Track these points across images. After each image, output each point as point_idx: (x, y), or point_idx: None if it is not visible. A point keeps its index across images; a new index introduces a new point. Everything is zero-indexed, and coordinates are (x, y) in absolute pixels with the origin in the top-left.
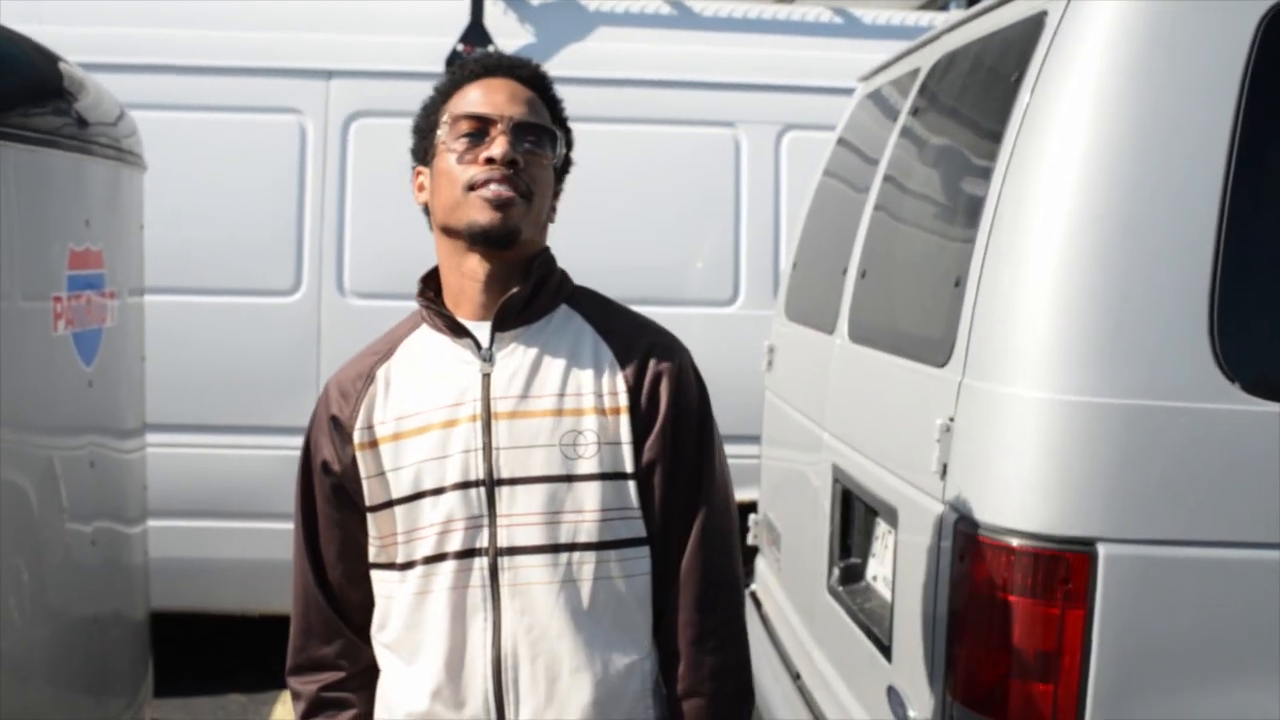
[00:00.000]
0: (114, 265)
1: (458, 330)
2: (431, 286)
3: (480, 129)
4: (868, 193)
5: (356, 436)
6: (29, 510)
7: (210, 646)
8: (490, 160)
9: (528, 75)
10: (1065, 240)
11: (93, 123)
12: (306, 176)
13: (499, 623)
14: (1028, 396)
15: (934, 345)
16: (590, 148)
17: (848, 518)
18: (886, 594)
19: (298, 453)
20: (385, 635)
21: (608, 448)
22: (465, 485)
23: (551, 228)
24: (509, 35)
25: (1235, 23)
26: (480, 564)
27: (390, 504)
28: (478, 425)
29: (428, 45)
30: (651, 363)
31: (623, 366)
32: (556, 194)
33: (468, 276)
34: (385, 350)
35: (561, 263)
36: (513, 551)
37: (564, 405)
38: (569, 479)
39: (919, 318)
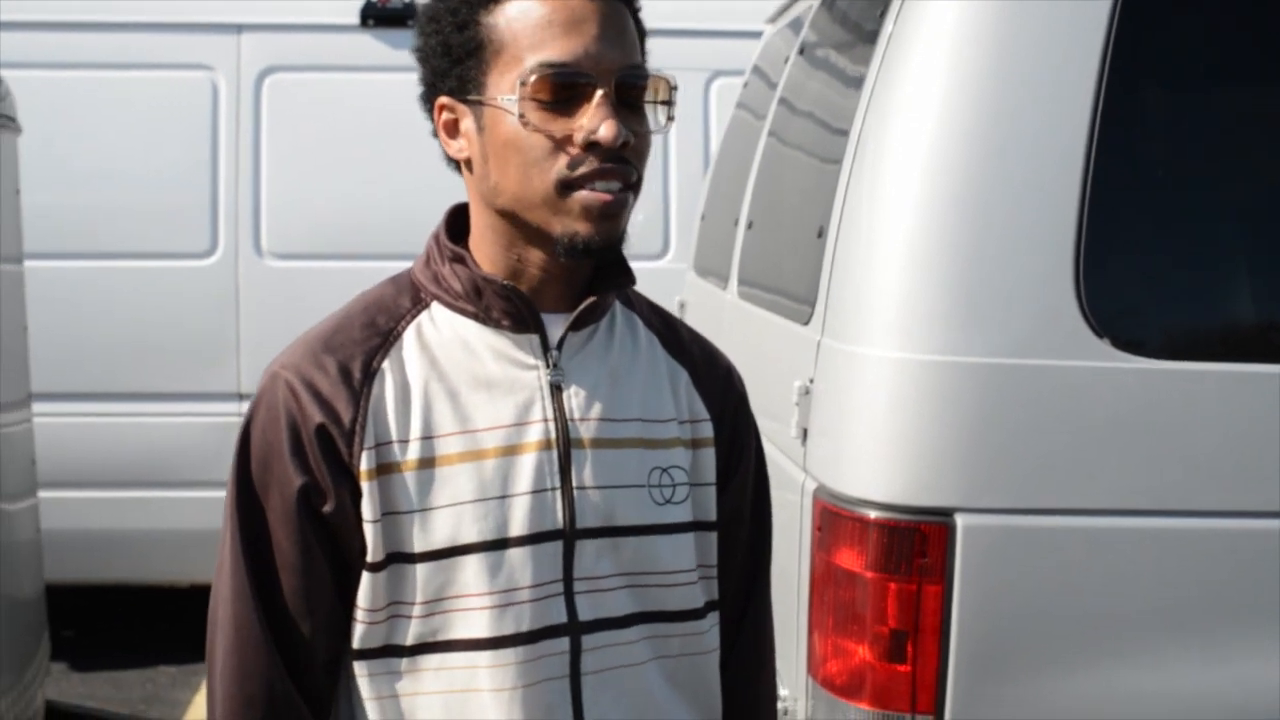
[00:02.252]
0: None
1: (523, 322)
2: (453, 239)
3: (569, 84)
4: (759, 141)
5: (363, 459)
6: None
7: (139, 619)
8: (593, 145)
9: None
10: (920, 185)
11: None
12: (219, 135)
13: None
14: (882, 357)
15: (799, 301)
16: None
17: None
18: None
19: (218, 419)
20: None
21: (698, 490)
22: (537, 538)
23: (453, 186)
24: None
25: None
26: (558, 647)
27: (407, 559)
28: (553, 455)
29: None
30: (732, 389)
31: (701, 391)
32: None
33: (534, 263)
34: (383, 334)
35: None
36: (601, 626)
37: (651, 434)
38: (662, 530)
39: (789, 272)
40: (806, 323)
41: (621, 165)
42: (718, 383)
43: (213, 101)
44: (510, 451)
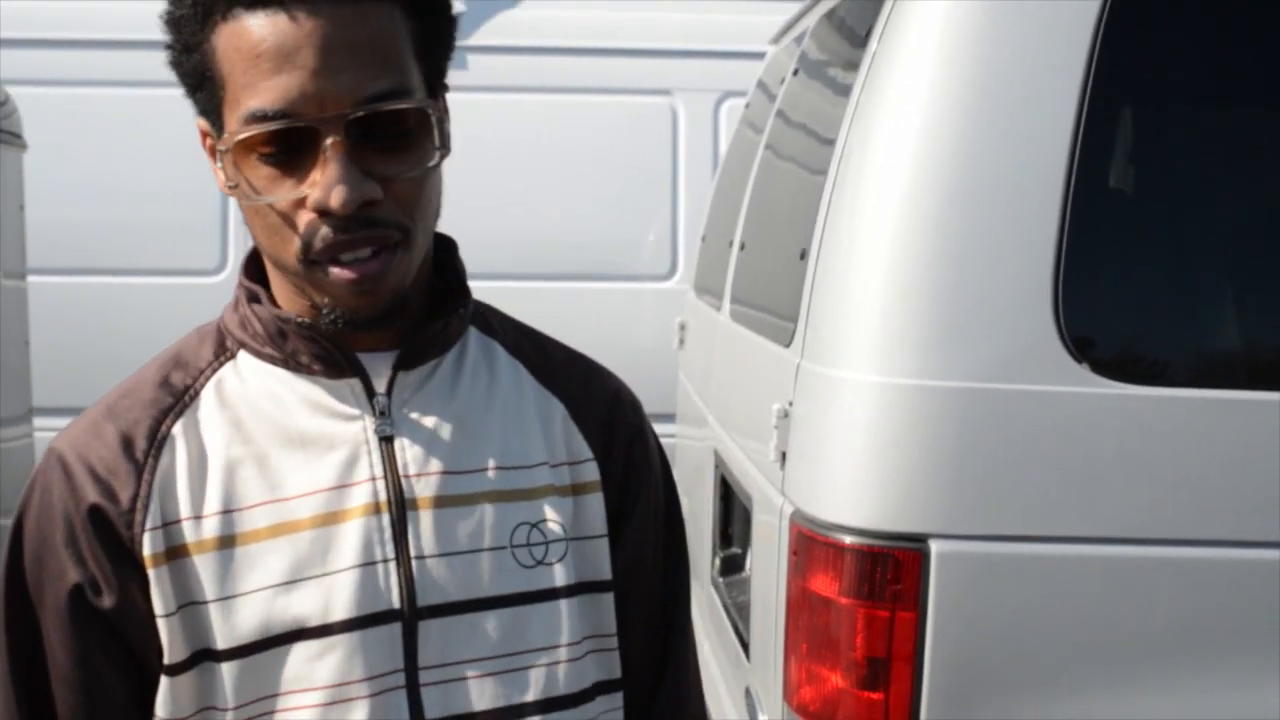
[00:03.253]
0: None
1: (338, 367)
2: (256, 279)
3: (285, 136)
4: (754, 160)
5: (146, 542)
6: None
7: None
8: (324, 212)
9: None
10: (900, 210)
11: None
12: None
13: None
14: (859, 380)
15: (782, 324)
16: (523, 119)
17: (728, 505)
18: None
19: None
20: None
21: (581, 545)
22: (368, 622)
23: (478, 206)
24: None
25: None
26: None
27: (210, 657)
28: (384, 519)
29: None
30: (620, 417)
31: (580, 424)
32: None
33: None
34: (175, 394)
35: (491, 242)
36: None
37: (512, 484)
38: (532, 598)
39: (774, 294)
40: (788, 345)
41: (369, 230)
42: (601, 412)
43: None
44: (330, 520)
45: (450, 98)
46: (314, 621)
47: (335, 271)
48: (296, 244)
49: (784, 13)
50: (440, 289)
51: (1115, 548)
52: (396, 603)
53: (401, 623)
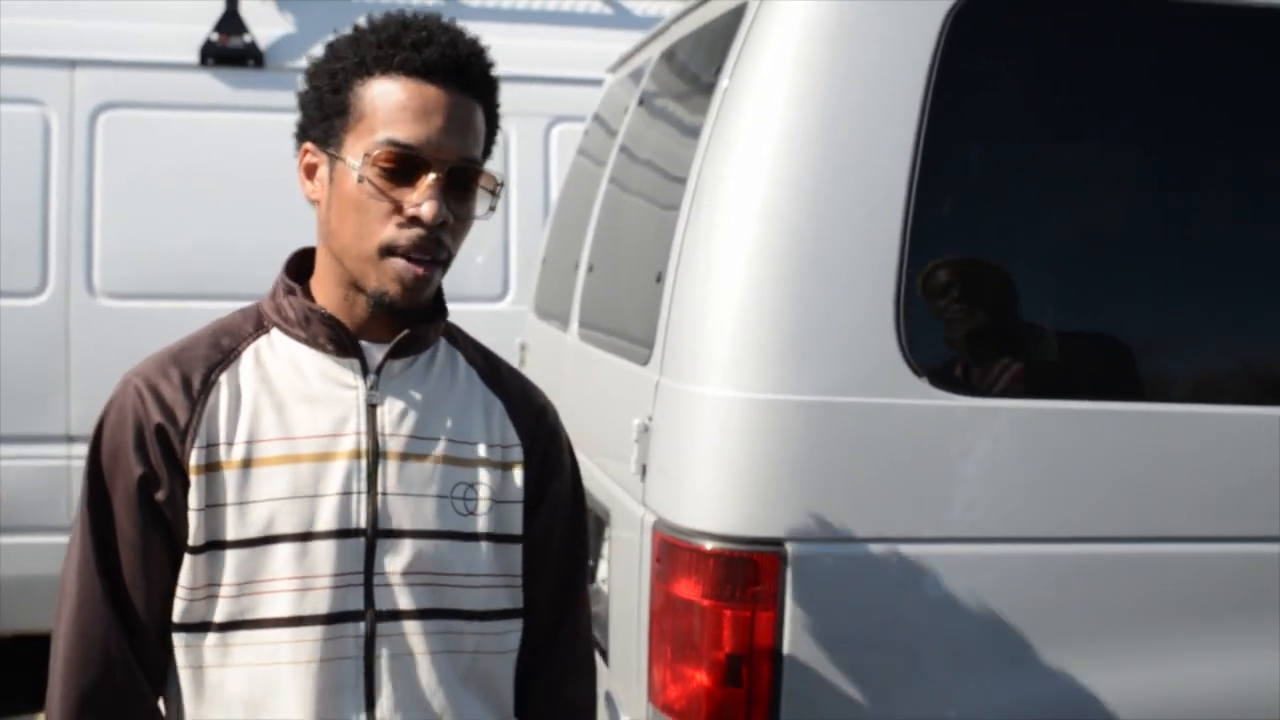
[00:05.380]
0: None
1: (345, 348)
2: (295, 277)
3: (408, 166)
4: (599, 187)
5: (193, 456)
6: None
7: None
8: (415, 220)
9: (478, 78)
10: (753, 235)
11: None
12: (51, 171)
13: (374, 703)
14: (716, 395)
15: (638, 343)
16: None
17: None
18: (608, 597)
19: (47, 462)
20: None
21: (499, 506)
22: (341, 534)
23: (291, 227)
24: (267, 24)
25: (922, 18)
26: (354, 630)
27: (221, 546)
28: (361, 463)
29: (180, 34)
30: (545, 423)
31: (514, 421)
32: None
33: (359, 303)
34: (224, 352)
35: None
36: (395, 616)
37: (457, 453)
38: (460, 536)
39: (628, 315)
40: (645, 363)
41: (436, 243)
42: (531, 415)
43: (44, 137)
44: (324, 458)
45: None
46: (302, 529)
47: (404, 265)
48: (382, 235)
49: (613, 41)
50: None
51: (955, 546)
52: (364, 524)
53: (365, 538)
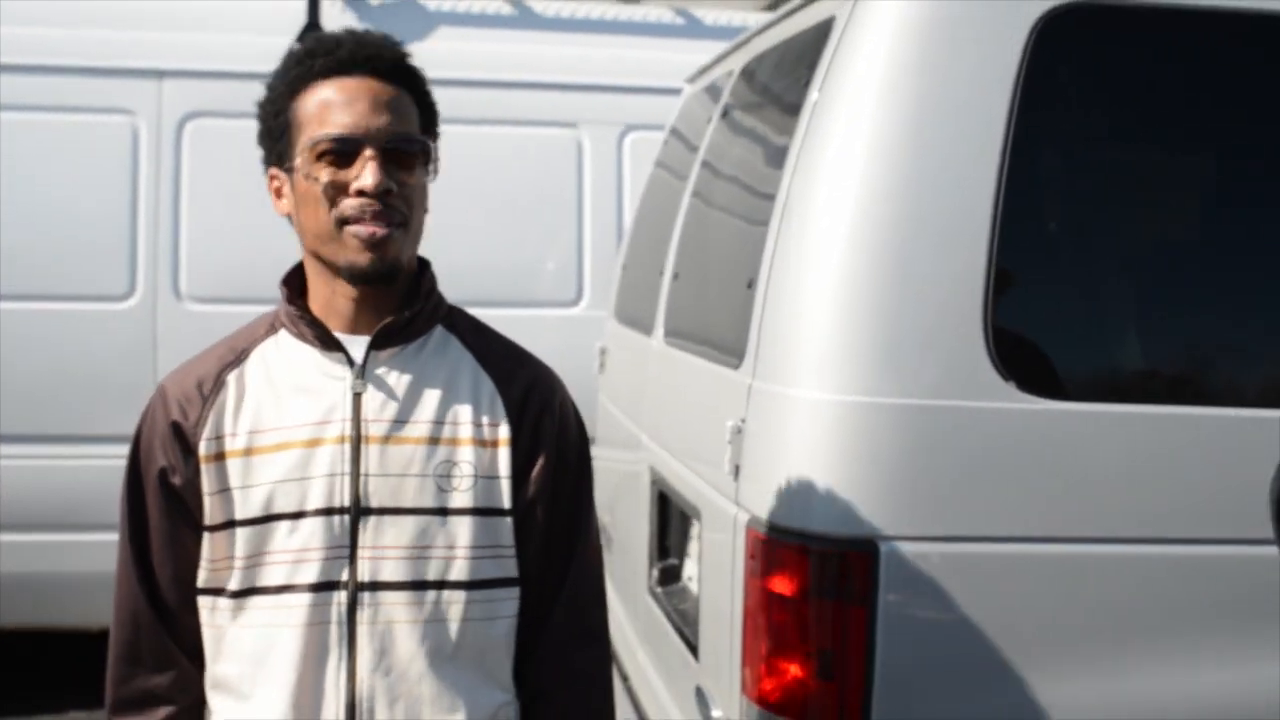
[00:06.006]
0: None
1: (328, 342)
2: (295, 288)
3: (344, 150)
4: (683, 197)
5: (202, 447)
6: None
7: (47, 662)
8: (361, 192)
9: (388, 66)
10: (844, 242)
11: None
12: (140, 179)
13: (354, 664)
14: (810, 398)
15: (729, 347)
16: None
17: (665, 519)
18: (697, 594)
19: None
20: (217, 671)
21: (484, 482)
22: (328, 512)
23: None
24: None
25: (1010, 27)
26: (338, 599)
27: (233, 524)
28: (345, 448)
29: (263, 45)
30: (535, 396)
31: (504, 398)
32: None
33: (341, 295)
34: (237, 353)
35: None
36: (375, 587)
37: (440, 434)
38: (441, 512)
39: (718, 320)
40: (737, 367)
41: (386, 208)
42: (520, 392)
43: (133, 146)
44: (313, 444)
45: None
46: (294, 508)
47: (358, 228)
48: (335, 212)
49: (684, 50)
50: (416, 304)
51: (1040, 546)
52: (348, 502)
53: (349, 516)
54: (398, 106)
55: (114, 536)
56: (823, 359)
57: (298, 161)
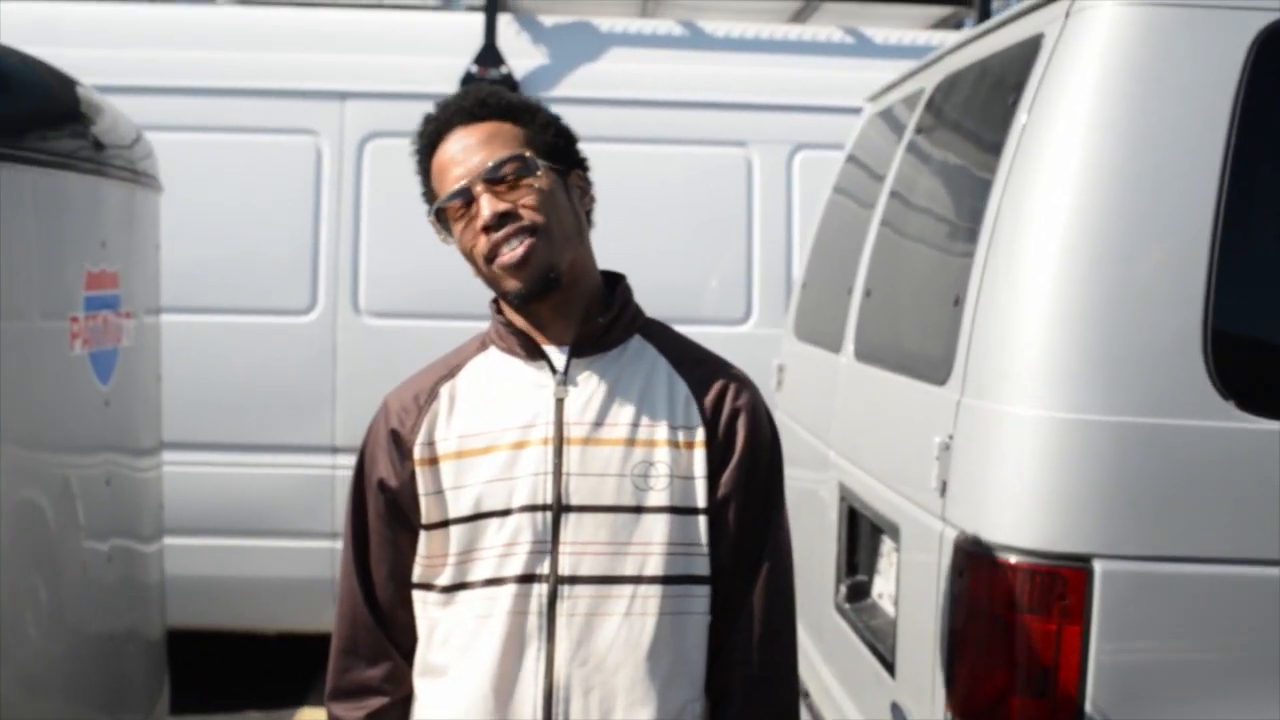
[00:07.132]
0: (130, 286)
1: (533, 352)
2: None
3: (464, 202)
4: (873, 212)
5: (417, 452)
6: (46, 527)
7: (226, 662)
8: (486, 229)
9: (472, 106)
10: (1060, 259)
11: (109, 145)
12: (322, 197)
13: (553, 653)
14: (1023, 415)
15: (934, 363)
16: (603, 168)
17: (854, 535)
18: (891, 611)
19: (314, 471)
20: (427, 659)
21: (679, 482)
22: (532, 509)
23: None
24: (522, 56)
25: (1228, 43)
26: (539, 591)
27: (447, 523)
28: (549, 449)
29: (442, 66)
30: (729, 398)
31: (699, 401)
32: (584, 191)
33: (525, 313)
34: (451, 368)
35: None
36: (574, 580)
37: (637, 435)
38: (638, 510)
39: (920, 336)
40: (943, 383)
41: (516, 229)
42: (714, 397)
43: (316, 165)
44: (519, 446)
45: None
46: (502, 506)
47: (500, 261)
48: (481, 256)
49: (854, 69)
50: (611, 311)
51: (1258, 569)
52: (550, 500)
53: (552, 513)
54: (490, 138)
55: (292, 543)
56: (1036, 376)
57: (439, 211)
